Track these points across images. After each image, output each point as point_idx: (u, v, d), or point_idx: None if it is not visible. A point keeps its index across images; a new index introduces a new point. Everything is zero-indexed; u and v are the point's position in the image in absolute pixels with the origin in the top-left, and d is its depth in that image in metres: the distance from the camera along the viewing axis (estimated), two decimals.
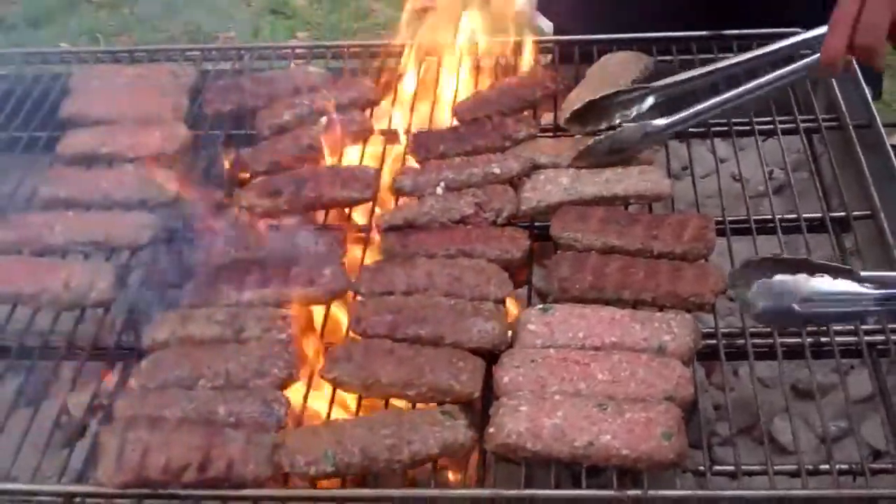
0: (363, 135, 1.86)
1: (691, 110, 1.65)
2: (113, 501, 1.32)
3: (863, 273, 1.24)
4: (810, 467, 1.26)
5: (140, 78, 2.05)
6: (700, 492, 1.24)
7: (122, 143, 1.85)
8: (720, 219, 1.60)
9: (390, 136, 1.89)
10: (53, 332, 1.58)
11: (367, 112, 1.91)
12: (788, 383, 1.41)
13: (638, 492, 1.23)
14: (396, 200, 1.73)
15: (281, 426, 1.34)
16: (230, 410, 1.35)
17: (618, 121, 1.69)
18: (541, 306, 1.46)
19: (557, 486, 1.28)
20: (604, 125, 1.70)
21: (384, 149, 1.87)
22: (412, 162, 1.79)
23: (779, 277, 1.23)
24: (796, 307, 1.23)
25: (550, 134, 1.83)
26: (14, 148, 1.95)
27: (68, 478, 1.37)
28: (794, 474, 1.26)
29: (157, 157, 1.82)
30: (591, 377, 1.34)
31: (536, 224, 1.66)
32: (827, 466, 1.25)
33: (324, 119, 1.85)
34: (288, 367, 1.41)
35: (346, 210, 1.73)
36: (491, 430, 1.29)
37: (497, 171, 1.68)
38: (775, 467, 1.24)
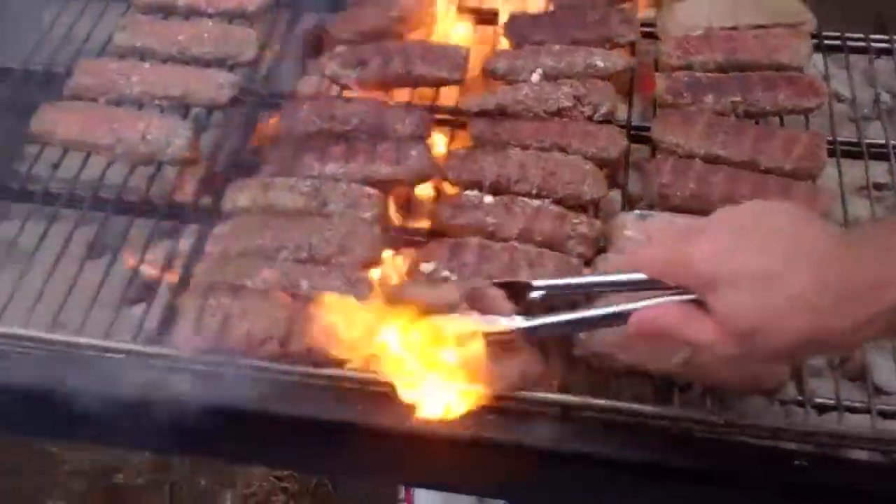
0: (453, 11, 1.77)
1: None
2: (187, 367, 1.29)
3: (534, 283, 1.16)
4: None
5: None
6: (799, 423, 1.20)
7: None
8: (830, 138, 1.52)
9: (482, 15, 1.80)
10: (128, 186, 1.53)
11: None
12: None
13: (731, 415, 1.19)
14: (487, 85, 1.65)
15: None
16: (314, 285, 1.30)
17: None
18: (639, 212, 1.40)
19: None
20: None
21: (475, 29, 1.78)
22: (504, 46, 1.71)
23: None
24: None
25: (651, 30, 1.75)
26: None
27: (142, 337, 1.34)
28: (891, 415, 1.22)
29: (238, 15, 1.75)
30: None
31: (634, 125, 1.59)
32: None
33: None
34: (372, 249, 1.37)
35: (433, 90, 1.65)
36: (583, 336, 1.24)
37: (600, 63, 1.59)
38: (878, 407, 1.20)
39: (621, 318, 1.06)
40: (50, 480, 2.90)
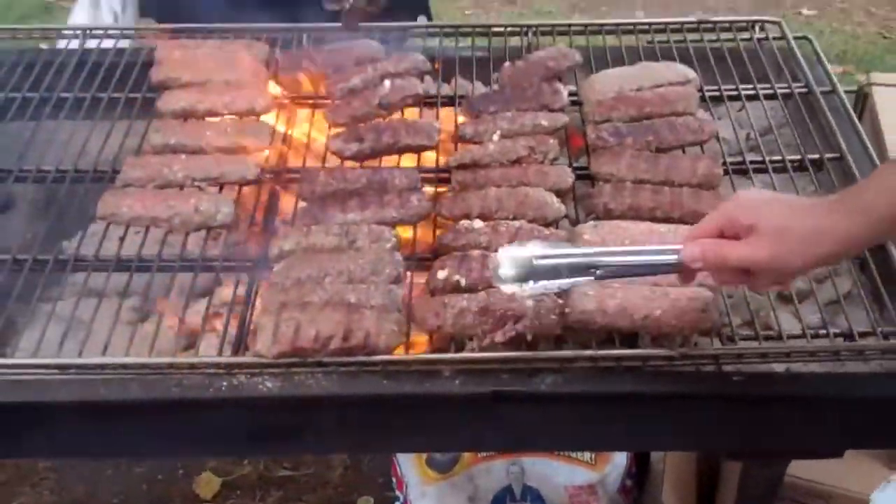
0: (420, 97, 2.23)
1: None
2: (264, 372, 1.66)
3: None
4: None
5: (218, 49, 2.37)
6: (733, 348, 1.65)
7: (217, 101, 2.18)
8: (723, 160, 2.02)
9: (442, 99, 2.27)
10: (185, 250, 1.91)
11: (421, 79, 2.28)
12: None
13: (684, 349, 1.63)
14: (456, 147, 2.11)
15: (399, 309, 1.70)
16: (359, 298, 1.70)
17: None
18: (592, 222, 1.85)
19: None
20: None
21: (437, 109, 2.25)
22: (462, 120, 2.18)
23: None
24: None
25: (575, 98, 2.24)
26: (115, 107, 2.25)
27: (225, 353, 1.70)
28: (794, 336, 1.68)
29: (249, 113, 2.18)
30: None
31: (574, 165, 2.06)
32: (824, 330, 1.68)
33: (387, 83, 2.21)
34: (396, 269, 1.78)
35: (416, 155, 2.10)
36: (567, 309, 1.67)
37: (544, 123, 2.07)
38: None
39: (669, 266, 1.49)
40: None
